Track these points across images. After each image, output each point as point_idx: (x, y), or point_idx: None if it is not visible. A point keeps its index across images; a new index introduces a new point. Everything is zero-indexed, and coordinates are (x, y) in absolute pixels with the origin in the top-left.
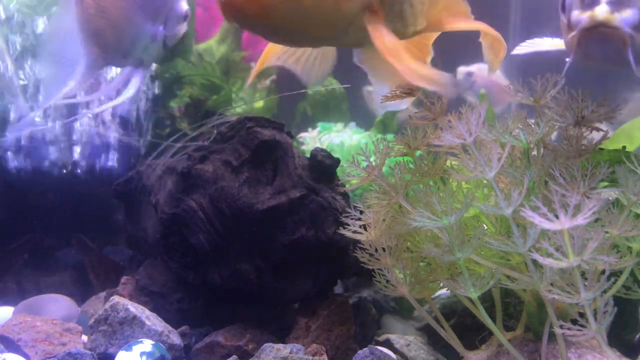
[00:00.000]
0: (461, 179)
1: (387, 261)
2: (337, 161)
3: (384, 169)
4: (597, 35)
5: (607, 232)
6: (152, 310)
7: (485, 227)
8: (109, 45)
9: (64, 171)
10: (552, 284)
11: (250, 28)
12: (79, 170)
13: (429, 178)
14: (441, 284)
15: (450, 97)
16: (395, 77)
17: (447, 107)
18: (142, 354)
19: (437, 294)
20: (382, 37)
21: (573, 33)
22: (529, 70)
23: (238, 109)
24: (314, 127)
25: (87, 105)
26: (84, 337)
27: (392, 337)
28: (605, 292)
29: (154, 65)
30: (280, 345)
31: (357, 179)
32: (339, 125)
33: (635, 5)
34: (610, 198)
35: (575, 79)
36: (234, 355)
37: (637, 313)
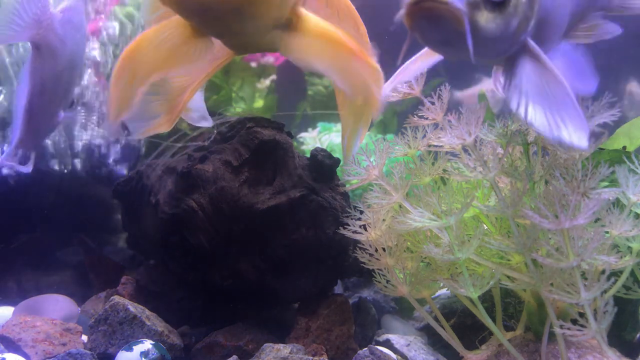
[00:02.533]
0: (461, 179)
1: (387, 261)
2: (337, 161)
3: (384, 168)
4: (423, 12)
5: (607, 232)
6: (152, 310)
7: (485, 227)
8: (43, 119)
9: (65, 171)
10: (552, 284)
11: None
12: (79, 170)
13: (429, 178)
14: (441, 284)
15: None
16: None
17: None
18: (142, 353)
19: (437, 294)
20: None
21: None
22: None
23: (238, 109)
24: (314, 127)
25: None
26: (84, 337)
27: (392, 337)
28: (605, 292)
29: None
30: (280, 345)
31: (357, 179)
32: (339, 125)
33: None
34: (610, 198)
35: None
36: (234, 355)
37: (637, 313)
